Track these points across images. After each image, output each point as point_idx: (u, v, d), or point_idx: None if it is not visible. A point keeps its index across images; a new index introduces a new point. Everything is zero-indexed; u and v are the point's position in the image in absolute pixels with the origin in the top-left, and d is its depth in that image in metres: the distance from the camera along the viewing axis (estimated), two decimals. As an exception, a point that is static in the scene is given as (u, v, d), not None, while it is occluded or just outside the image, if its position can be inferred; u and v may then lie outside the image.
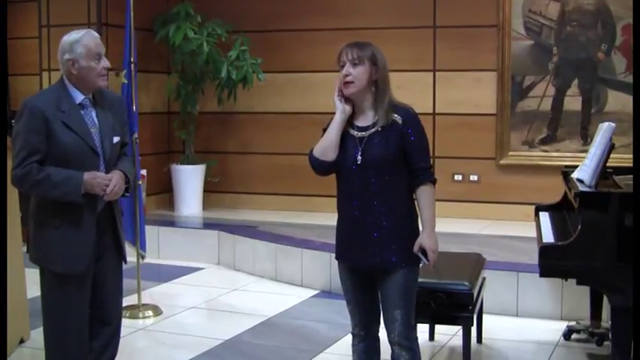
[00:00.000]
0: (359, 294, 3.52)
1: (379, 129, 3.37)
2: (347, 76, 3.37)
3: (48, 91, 3.55)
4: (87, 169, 3.44)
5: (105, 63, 3.50)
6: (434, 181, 3.42)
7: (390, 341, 3.45)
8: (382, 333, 3.52)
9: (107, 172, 3.52)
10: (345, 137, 3.43)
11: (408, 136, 3.36)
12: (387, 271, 3.39)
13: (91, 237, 3.49)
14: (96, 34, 3.52)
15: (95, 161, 3.47)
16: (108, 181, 3.44)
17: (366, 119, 3.42)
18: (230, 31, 7.91)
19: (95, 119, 3.50)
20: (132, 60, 5.54)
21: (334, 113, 3.47)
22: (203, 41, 7.65)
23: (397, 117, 3.37)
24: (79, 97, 3.48)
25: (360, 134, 3.40)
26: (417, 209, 3.43)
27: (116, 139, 3.56)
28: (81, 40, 3.45)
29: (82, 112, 3.48)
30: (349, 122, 3.45)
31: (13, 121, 3.50)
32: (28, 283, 5.00)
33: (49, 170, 3.38)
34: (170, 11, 7.92)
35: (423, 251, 3.36)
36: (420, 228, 3.43)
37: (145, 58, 7.54)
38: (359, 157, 3.36)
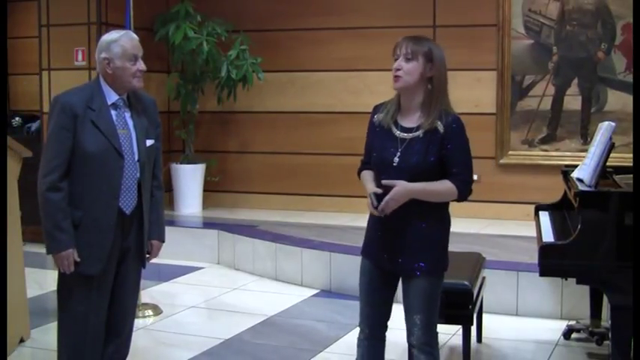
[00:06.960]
0: (373, 292, 3.41)
1: (421, 135, 3.24)
2: (398, 70, 3.26)
3: (81, 89, 3.50)
4: (110, 170, 3.37)
5: (141, 65, 3.50)
6: (464, 194, 3.25)
7: (408, 342, 3.38)
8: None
9: (141, 175, 3.45)
10: (386, 134, 3.32)
11: (447, 149, 3.24)
12: (413, 276, 3.30)
13: (109, 239, 3.39)
14: (134, 36, 3.53)
15: (119, 163, 3.39)
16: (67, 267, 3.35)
17: (411, 120, 3.30)
18: (230, 31, 7.91)
19: (128, 121, 3.47)
20: (132, 59, 5.53)
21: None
22: (203, 40, 7.65)
23: (440, 125, 3.24)
24: (113, 96, 3.46)
25: (402, 135, 3.28)
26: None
27: (149, 142, 3.51)
28: (118, 40, 3.46)
29: (115, 112, 3.44)
30: (393, 118, 3.33)
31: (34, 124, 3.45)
32: (28, 282, 5.00)
33: (63, 205, 3.30)
34: (170, 10, 7.93)
35: (381, 196, 3.19)
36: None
37: (145, 58, 7.45)
38: (396, 159, 3.25)
